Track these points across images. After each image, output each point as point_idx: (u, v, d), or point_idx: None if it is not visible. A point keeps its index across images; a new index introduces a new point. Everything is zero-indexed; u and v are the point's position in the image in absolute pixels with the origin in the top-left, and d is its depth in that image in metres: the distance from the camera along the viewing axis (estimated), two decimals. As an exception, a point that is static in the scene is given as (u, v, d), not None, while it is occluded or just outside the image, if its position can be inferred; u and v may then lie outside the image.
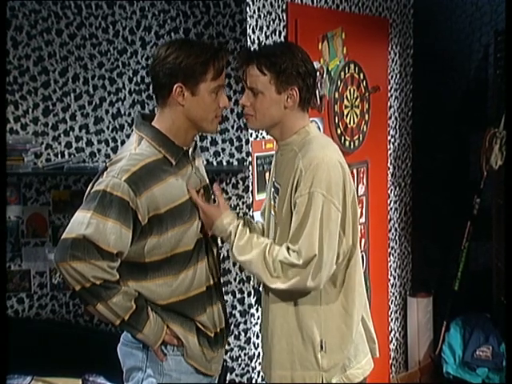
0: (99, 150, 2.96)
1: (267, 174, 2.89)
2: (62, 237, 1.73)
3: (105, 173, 1.78)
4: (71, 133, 2.97)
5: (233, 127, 2.80)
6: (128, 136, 2.91)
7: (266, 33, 2.84)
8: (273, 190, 1.98)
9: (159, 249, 1.79)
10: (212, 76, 1.77)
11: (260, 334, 2.10)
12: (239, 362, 2.85)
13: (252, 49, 1.93)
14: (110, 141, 2.95)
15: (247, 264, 1.82)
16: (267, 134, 2.01)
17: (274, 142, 2.96)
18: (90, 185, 1.84)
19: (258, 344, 2.83)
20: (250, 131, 2.79)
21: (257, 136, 2.84)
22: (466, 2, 4.01)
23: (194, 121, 1.82)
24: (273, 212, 1.96)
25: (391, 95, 3.85)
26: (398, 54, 3.88)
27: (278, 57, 1.81)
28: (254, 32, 2.77)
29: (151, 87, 1.91)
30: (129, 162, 1.75)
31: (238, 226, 1.86)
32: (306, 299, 1.86)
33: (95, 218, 1.69)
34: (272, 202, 1.96)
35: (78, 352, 2.80)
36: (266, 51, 1.88)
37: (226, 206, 1.91)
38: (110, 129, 2.95)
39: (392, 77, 3.85)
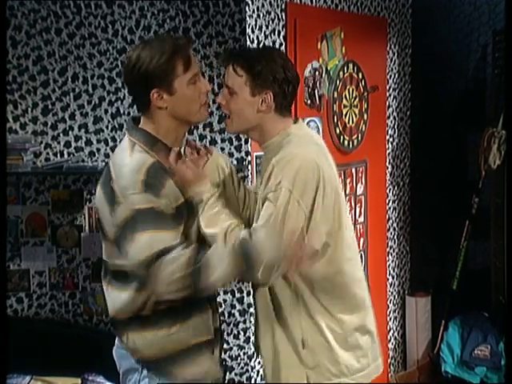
0: (98, 150, 2.97)
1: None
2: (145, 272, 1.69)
3: (116, 189, 1.71)
4: (70, 132, 2.97)
5: (232, 127, 2.80)
6: (127, 135, 2.93)
7: (265, 32, 2.85)
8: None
9: None
10: (182, 69, 1.74)
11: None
12: (238, 361, 2.85)
13: (233, 49, 1.98)
14: (110, 140, 2.95)
15: (210, 238, 1.77)
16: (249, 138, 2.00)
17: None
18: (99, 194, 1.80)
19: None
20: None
21: (256, 135, 2.84)
22: (464, 2, 4.02)
23: (181, 117, 1.80)
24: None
25: (390, 95, 3.86)
26: (396, 54, 3.89)
27: (256, 60, 1.82)
28: (253, 31, 2.77)
29: (128, 94, 1.89)
30: (133, 171, 1.71)
31: (210, 196, 1.80)
32: (285, 295, 1.85)
33: (150, 234, 1.67)
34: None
35: (78, 351, 2.80)
36: (246, 53, 1.93)
37: (204, 175, 1.85)
38: (110, 128, 2.95)
39: (390, 76, 3.85)
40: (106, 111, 2.95)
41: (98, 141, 2.96)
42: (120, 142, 2.94)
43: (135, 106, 2.90)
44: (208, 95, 1.85)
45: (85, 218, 2.98)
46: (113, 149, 2.94)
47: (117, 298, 1.82)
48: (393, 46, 3.86)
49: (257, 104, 1.83)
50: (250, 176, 2.79)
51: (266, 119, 1.86)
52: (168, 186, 1.74)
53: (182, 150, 1.89)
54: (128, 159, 1.75)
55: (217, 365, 1.91)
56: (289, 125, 1.89)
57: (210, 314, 1.87)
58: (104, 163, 2.95)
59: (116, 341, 1.92)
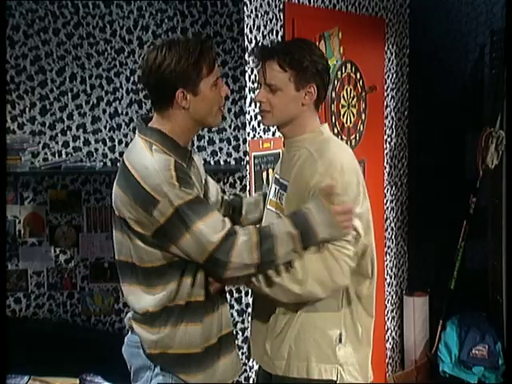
0: (96, 150, 2.96)
1: (264, 174, 2.90)
2: (208, 256, 1.72)
3: (149, 189, 1.70)
4: (68, 132, 2.97)
5: (230, 126, 2.80)
6: (125, 135, 2.93)
7: (263, 32, 2.85)
8: (276, 186, 1.95)
9: None
10: (207, 71, 1.77)
11: (253, 321, 2.04)
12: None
13: (271, 45, 1.94)
14: (108, 140, 2.95)
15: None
16: (278, 131, 1.99)
17: (272, 142, 2.97)
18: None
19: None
20: (247, 130, 2.79)
21: (254, 135, 2.84)
22: (462, 2, 4.03)
23: (199, 119, 1.82)
24: (273, 208, 1.95)
25: (387, 95, 3.86)
26: (394, 54, 3.89)
27: (299, 53, 1.81)
28: (251, 31, 2.78)
29: (148, 94, 1.88)
30: (161, 169, 1.72)
31: None
32: None
33: (200, 226, 1.70)
34: (275, 199, 1.94)
35: (76, 351, 2.79)
36: (287, 48, 1.88)
37: None
38: (108, 128, 2.95)
39: (388, 76, 3.86)
40: (104, 111, 2.94)
41: (96, 141, 2.96)
42: (118, 142, 2.97)
43: (135, 106, 2.94)
44: (225, 99, 1.87)
45: (83, 217, 2.98)
46: (111, 149, 2.94)
47: (148, 294, 1.80)
48: (391, 46, 3.87)
49: (301, 98, 1.84)
50: (247, 176, 2.79)
51: (304, 113, 1.87)
52: (193, 181, 1.80)
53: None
54: (150, 159, 1.74)
55: (222, 371, 1.88)
56: (318, 123, 1.93)
57: (215, 319, 1.87)
58: (102, 163, 2.95)
59: (126, 339, 1.92)
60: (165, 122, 1.81)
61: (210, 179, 2.09)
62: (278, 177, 1.97)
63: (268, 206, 2.00)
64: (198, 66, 1.75)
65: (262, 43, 2.85)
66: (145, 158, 1.75)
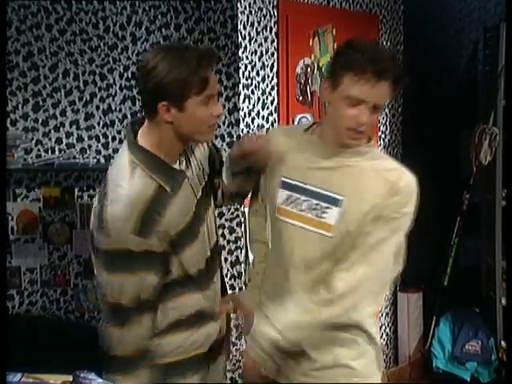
0: (90, 146, 2.95)
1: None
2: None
3: (109, 213, 1.64)
4: (61, 129, 2.96)
5: (224, 123, 2.80)
6: (119, 132, 2.93)
7: (256, 29, 2.84)
8: (309, 199, 1.72)
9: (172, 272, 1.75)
10: (197, 90, 1.62)
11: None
12: (230, 357, 2.85)
13: (378, 61, 1.62)
14: (101, 137, 2.94)
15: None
16: (345, 145, 1.71)
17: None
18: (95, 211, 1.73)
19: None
20: (240, 126, 2.79)
21: (248, 132, 2.84)
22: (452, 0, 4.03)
23: (185, 135, 1.69)
24: (308, 225, 1.72)
25: (381, 91, 3.85)
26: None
27: (400, 69, 1.69)
28: (244, 28, 2.77)
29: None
30: (129, 207, 1.62)
31: None
32: None
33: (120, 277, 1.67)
34: (309, 214, 1.72)
35: (69, 348, 2.78)
36: (395, 64, 1.69)
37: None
38: (101, 125, 2.94)
39: (382, 73, 3.85)
40: (98, 108, 2.93)
41: (90, 137, 2.95)
42: (112, 138, 2.95)
43: (129, 102, 2.93)
44: (218, 118, 1.74)
45: (76, 214, 2.97)
46: (104, 145, 2.93)
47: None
48: (384, 43, 3.86)
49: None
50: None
51: None
52: (168, 215, 1.67)
53: (178, 163, 1.77)
54: (127, 183, 1.64)
55: None
56: None
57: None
58: (95, 160, 2.94)
59: None
60: (151, 134, 1.69)
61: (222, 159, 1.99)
62: (322, 189, 1.71)
63: (292, 221, 1.75)
64: (186, 82, 1.60)
65: (255, 39, 2.84)
66: (122, 179, 1.66)
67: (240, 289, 2.82)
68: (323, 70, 3.26)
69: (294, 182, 1.74)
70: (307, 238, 1.71)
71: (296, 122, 3.05)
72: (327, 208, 1.68)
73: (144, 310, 1.70)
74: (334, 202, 1.68)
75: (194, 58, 1.62)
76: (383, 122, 3.92)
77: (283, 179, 1.77)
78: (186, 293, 1.77)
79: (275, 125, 2.97)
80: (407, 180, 1.73)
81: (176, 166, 1.75)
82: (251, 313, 1.85)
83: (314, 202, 1.70)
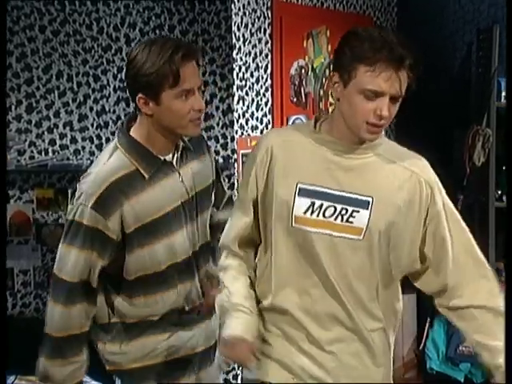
0: (83, 148, 2.95)
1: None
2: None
3: (77, 188, 1.70)
4: (55, 130, 2.95)
5: (218, 124, 2.80)
6: (112, 133, 2.92)
7: (250, 30, 2.84)
8: (341, 206, 1.56)
9: (135, 266, 1.72)
10: (170, 83, 1.61)
11: None
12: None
13: (393, 48, 1.49)
14: (95, 138, 2.94)
15: None
16: (359, 141, 1.57)
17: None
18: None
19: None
20: (235, 128, 2.79)
21: (242, 133, 2.84)
22: (449, 1, 4.04)
23: (167, 128, 1.68)
24: (339, 233, 1.56)
25: (375, 93, 3.86)
26: (382, 52, 3.90)
27: (414, 53, 1.56)
28: (238, 29, 2.77)
29: None
30: (95, 182, 1.66)
31: None
32: None
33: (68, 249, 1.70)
34: (338, 220, 1.56)
35: (63, 350, 2.78)
36: (411, 50, 1.56)
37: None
38: (95, 126, 2.94)
39: (376, 74, 3.86)
40: (92, 109, 2.93)
41: (83, 139, 2.94)
42: (105, 139, 2.96)
43: (123, 104, 2.93)
44: (201, 112, 1.69)
45: (70, 216, 2.97)
46: (98, 146, 2.93)
47: None
48: (378, 44, 3.87)
49: None
50: (235, 174, 2.79)
51: None
52: (137, 201, 1.67)
53: (176, 158, 1.76)
54: (101, 164, 1.69)
55: None
56: None
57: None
58: (89, 161, 2.93)
59: None
60: (141, 126, 1.71)
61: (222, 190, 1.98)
62: (346, 191, 1.57)
63: (315, 229, 1.57)
64: (159, 75, 1.60)
65: (249, 41, 2.84)
66: (99, 161, 1.72)
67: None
68: (317, 71, 3.26)
69: (313, 188, 1.57)
70: (338, 245, 1.56)
71: (290, 123, 3.05)
72: (354, 211, 1.56)
73: (78, 292, 1.68)
74: (362, 204, 1.56)
75: (168, 51, 1.61)
76: (377, 123, 3.92)
77: (301, 186, 1.57)
78: (158, 291, 1.75)
79: (269, 126, 2.98)
80: (425, 167, 1.71)
81: (168, 158, 1.74)
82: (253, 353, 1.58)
83: (340, 206, 1.56)
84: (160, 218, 1.70)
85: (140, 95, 1.63)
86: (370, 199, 1.56)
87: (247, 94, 2.84)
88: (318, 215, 1.56)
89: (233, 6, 2.73)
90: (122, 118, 2.89)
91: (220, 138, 2.80)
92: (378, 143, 1.61)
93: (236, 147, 2.79)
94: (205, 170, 1.84)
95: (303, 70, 3.15)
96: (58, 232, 2.98)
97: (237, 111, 2.80)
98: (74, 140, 2.95)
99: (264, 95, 2.95)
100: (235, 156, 2.80)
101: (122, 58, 2.87)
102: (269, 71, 2.96)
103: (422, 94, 4.49)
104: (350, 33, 1.54)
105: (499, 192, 3.59)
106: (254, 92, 2.88)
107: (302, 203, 1.57)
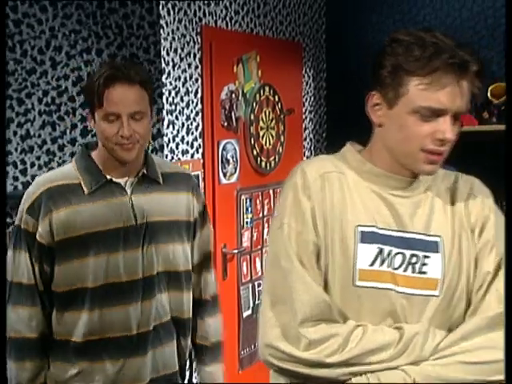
0: (7, 173, 2.84)
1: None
2: None
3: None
4: (-24, 155, 2.84)
5: (148, 149, 2.75)
6: (38, 158, 2.84)
7: (180, 55, 2.84)
8: (410, 251, 1.22)
9: (62, 279, 1.70)
10: (98, 104, 1.65)
11: None
12: None
13: (459, 50, 1.17)
14: (19, 163, 2.84)
15: None
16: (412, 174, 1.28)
17: (190, 164, 2.92)
18: None
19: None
20: (165, 152, 2.76)
21: (172, 158, 2.81)
22: (380, 30, 4.17)
23: (104, 147, 1.72)
24: (410, 289, 1.20)
25: (306, 117, 3.93)
26: (311, 77, 3.98)
27: (480, 57, 1.21)
28: (168, 54, 2.76)
29: None
30: (34, 186, 1.75)
31: None
32: None
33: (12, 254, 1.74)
34: (408, 272, 1.21)
35: None
36: (474, 51, 1.20)
37: None
38: (19, 150, 2.84)
39: (306, 99, 3.93)
40: (15, 133, 2.84)
41: (7, 163, 2.84)
42: (30, 164, 2.85)
43: (49, 128, 2.85)
44: (132, 139, 1.65)
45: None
46: (22, 171, 2.84)
47: None
48: (308, 70, 3.95)
49: None
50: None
51: None
52: (68, 213, 1.68)
53: (133, 182, 1.73)
54: (48, 173, 1.84)
55: None
56: None
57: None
58: (13, 187, 2.83)
59: None
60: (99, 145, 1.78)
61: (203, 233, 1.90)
62: (397, 233, 1.23)
63: (380, 284, 1.20)
64: (90, 94, 1.67)
65: (179, 65, 2.83)
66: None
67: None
68: (248, 95, 3.29)
69: (378, 231, 1.22)
70: (413, 307, 1.20)
71: (221, 148, 3.05)
72: (426, 257, 1.22)
73: (16, 293, 1.70)
74: (433, 246, 1.23)
75: (101, 71, 1.68)
76: (308, 147, 3.98)
77: (361, 229, 1.22)
78: (83, 308, 1.69)
79: (200, 150, 2.96)
80: (477, 185, 1.34)
81: (119, 180, 1.72)
82: None
83: (409, 252, 1.22)
84: (97, 234, 1.67)
85: (87, 110, 1.76)
86: (439, 239, 1.23)
87: (177, 118, 2.83)
88: (386, 266, 1.20)
89: (162, 30, 2.72)
90: (48, 142, 2.81)
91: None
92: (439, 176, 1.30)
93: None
94: (172, 206, 1.78)
95: (234, 95, 3.16)
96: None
97: (167, 135, 2.77)
98: (-4, 165, 2.84)
99: (194, 119, 2.94)
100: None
101: (47, 82, 2.80)
102: (199, 95, 2.95)
103: (352, 119, 4.57)
104: (389, 40, 1.25)
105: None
106: (185, 116, 2.87)
107: (365, 251, 1.20)
